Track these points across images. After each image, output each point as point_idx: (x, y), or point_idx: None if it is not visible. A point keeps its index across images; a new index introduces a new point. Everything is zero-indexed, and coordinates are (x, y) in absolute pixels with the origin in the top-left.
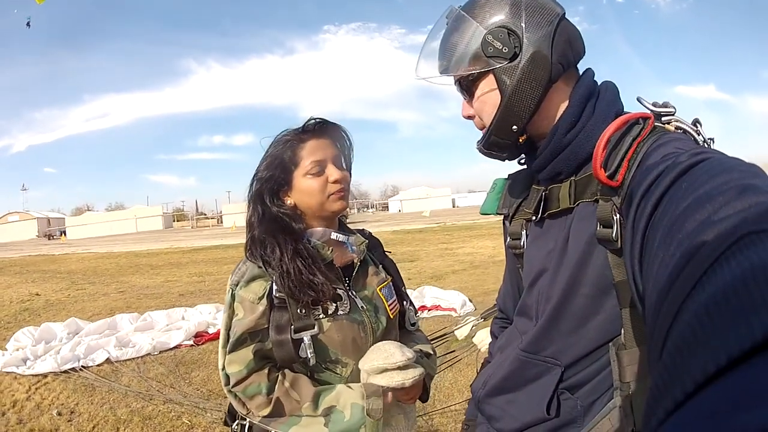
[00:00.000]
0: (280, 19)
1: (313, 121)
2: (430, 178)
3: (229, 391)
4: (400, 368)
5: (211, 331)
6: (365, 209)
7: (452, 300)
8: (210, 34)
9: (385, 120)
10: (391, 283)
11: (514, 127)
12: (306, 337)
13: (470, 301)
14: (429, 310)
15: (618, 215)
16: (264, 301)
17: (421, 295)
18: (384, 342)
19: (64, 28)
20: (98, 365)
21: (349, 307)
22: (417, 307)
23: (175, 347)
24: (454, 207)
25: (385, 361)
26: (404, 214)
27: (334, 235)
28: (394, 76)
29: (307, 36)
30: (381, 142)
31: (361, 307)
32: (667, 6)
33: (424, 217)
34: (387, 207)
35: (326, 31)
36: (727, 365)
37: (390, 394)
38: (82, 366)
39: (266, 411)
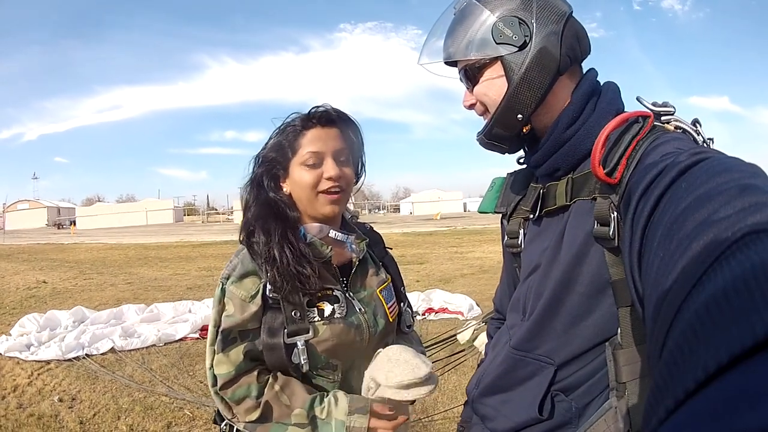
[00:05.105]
0: (296, 17)
1: (320, 108)
2: (441, 180)
3: (216, 393)
4: (423, 381)
5: None
6: (376, 210)
7: (459, 303)
8: (225, 29)
9: (398, 121)
10: (390, 284)
11: (520, 115)
12: (300, 342)
13: (477, 305)
14: (436, 312)
15: (616, 213)
16: (257, 300)
17: (428, 298)
18: (398, 349)
19: (76, 18)
20: (102, 354)
21: (345, 309)
22: (424, 309)
23: (181, 340)
24: (465, 211)
25: (414, 376)
26: (415, 217)
27: (332, 233)
28: (409, 77)
29: (323, 34)
30: (394, 142)
31: (359, 309)
32: (685, 15)
33: (435, 220)
34: (398, 209)
35: (342, 30)
36: (728, 363)
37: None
38: (86, 354)
39: (254, 415)
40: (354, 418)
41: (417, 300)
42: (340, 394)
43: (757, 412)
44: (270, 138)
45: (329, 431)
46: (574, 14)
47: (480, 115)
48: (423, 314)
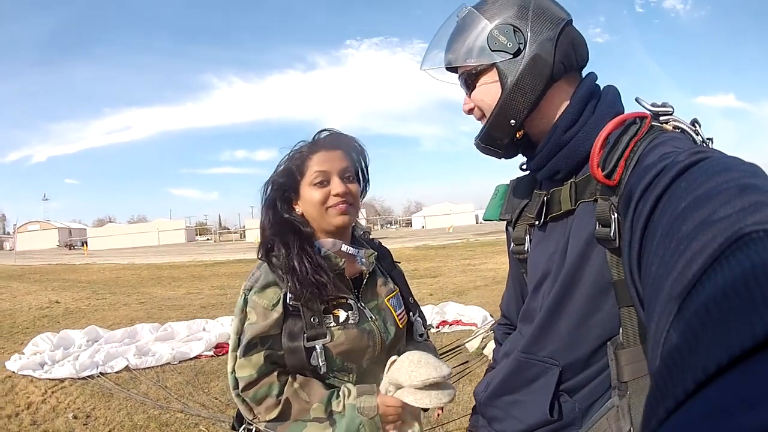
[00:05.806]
0: (302, 35)
1: (324, 132)
2: (453, 192)
3: (237, 395)
4: (444, 384)
5: None
6: (388, 225)
7: (473, 315)
8: (232, 50)
9: (407, 134)
10: (399, 294)
11: (512, 121)
12: (318, 345)
13: (491, 316)
14: (450, 325)
15: (616, 214)
16: (279, 308)
17: (442, 311)
18: (418, 354)
19: (83, 40)
20: (117, 372)
21: (358, 316)
22: (438, 322)
23: (195, 357)
24: (477, 223)
25: (438, 374)
26: (428, 231)
27: (344, 248)
28: (416, 91)
29: (329, 51)
30: (404, 157)
31: (370, 317)
32: (687, 14)
33: (447, 233)
34: (410, 223)
35: (348, 46)
36: (728, 364)
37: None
38: (100, 372)
39: (274, 413)
40: (363, 399)
41: (431, 313)
42: (350, 385)
43: (756, 412)
44: (279, 165)
45: (342, 422)
46: (573, 22)
47: (478, 119)
48: (437, 327)
